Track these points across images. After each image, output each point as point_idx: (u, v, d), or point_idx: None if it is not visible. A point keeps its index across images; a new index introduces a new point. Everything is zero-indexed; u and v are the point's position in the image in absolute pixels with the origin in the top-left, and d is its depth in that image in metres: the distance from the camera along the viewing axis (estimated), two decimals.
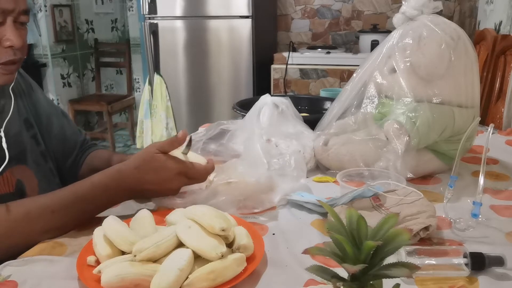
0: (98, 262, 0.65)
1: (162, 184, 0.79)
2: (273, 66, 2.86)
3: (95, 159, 1.05)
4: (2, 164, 0.81)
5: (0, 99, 0.87)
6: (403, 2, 1.02)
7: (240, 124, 1.11)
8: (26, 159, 0.89)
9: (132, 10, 4.18)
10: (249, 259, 0.64)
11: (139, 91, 4.17)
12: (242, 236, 0.65)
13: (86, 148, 1.07)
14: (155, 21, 2.92)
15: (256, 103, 1.13)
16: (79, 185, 0.77)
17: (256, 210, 0.84)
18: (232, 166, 0.88)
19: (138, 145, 3.04)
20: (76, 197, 0.75)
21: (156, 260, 0.62)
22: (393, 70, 1.00)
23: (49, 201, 0.74)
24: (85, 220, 0.77)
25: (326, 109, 1.17)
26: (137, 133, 2.99)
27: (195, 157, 0.85)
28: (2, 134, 0.83)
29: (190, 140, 0.83)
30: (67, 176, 1.03)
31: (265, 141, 1.04)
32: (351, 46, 3.23)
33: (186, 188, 0.85)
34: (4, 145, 0.82)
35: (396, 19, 1.04)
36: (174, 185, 0.80)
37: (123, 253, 0.65)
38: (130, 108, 4.03)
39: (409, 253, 0.64)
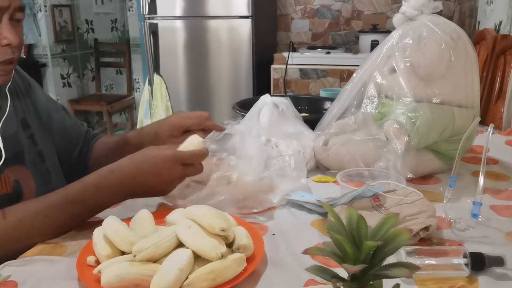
0: (98, 262, 0.65)
1: (159, 175, 0.76)
2: (273, 66, 2.86)
3: (102, 146, 1.06)
4: (3, 163, 0.81)
5: None
6: (403, 2, 1.02)
7: (242, 125, 1.11)
8: (24, 159, 0.88)
9: (132, 10, 4.18)
10: (249, 259, 0.64)
11: (139, 91, 4.17)
12: (242, 236, 0.65)
13: (90, 138, 1.07)
14: (155, 21, 2.92)
15: (256, 103, 1.13)
16: (70, 187, 0.76)
17: (255, 210, 0.84)
18: (228, 162, 0.88)
19: None
20: (67, 200, 0.74)
21: (156, 260, 0.62)
22: (393, 70, 1.00)
23: (41, 205, 0.74)
24: (81, 222, 0.77)
25: (326, 109, 1.17)
26: None
27: (193, 140, 0.84)
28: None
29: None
30: (75, 169, 1.04)
31: (265, 141, 1.04)
32: (351, 46, 3.23)
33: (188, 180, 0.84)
34: (0, 144, 0.81)
35: (396, 19, 1.04)
36: (172, 175, 0.77)
37: (123, 253, 0.65)
38: (130, 108, 4.03)
39: (409, 253, 0.64)
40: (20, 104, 0.92)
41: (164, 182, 0.78)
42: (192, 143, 0.82)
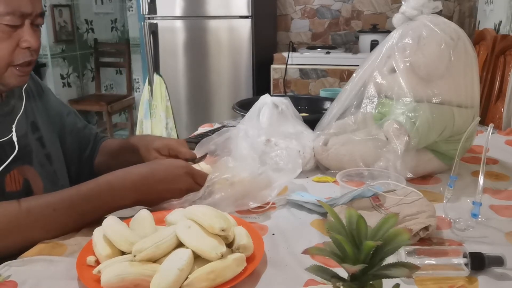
0: (98, 262, 0.65)
1: (171, 183, 0.80)
2: (272, 66, 2.86)
3: (106, 149, 1.09)
4: (12, 162, 0.83)
5: (10, 100, 0.89)
6: (402, 2, 1.03)
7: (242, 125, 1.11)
8: (32, 160, 0.90)
9: (132, 10, 4.18)
10: (249, 259, 0.64)
11: (139, 91, 4.16)
12: (242, 236, 0.65)
13: (99, 139, 1.11)
14: (154, 21, 2.92)
15: (256, 103, 1.13)
16: (83, 184, 0.78)
17: (252, 205, 0.83)
18: (224, 163, 0.89)
19: None
20: (79, 196, 0.75)
21: (156, 260, 0.62)
22: (393, 70, 1.00)
23: (52, 199, 0.75)
24: (88, 221, 0.76)
25: (325, 109, 1.18)
26: (137, 133, 2.99)
27: (203, 166, 0.91)
28: (14, 129, 0.85)
29: (206, 155, 0.92)
30: (83, 171, 1.07)
31: (265, 141, 1.04)
32: (351, 46, 3.23)
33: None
34: (15, 138, 0.84)
35: (396, 19, 1.04)
36: (182, 184, 0.81)
37: (123, 253, 0.65)
38: (129, 108, 4.02)
39: (409, 253, 0.64)
40: (30, 107, 0.95)
41: (174, 190, 0.81)
42: (202, 166, 0.89)
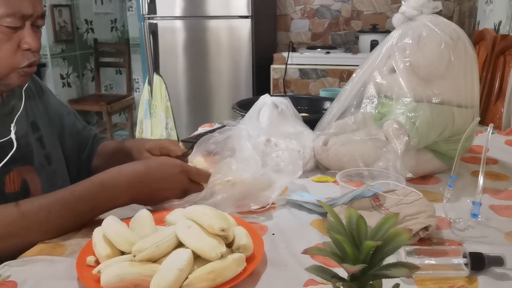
0: (97, 262, 0.65)
1: (166, 181, 0.80)
2: (272, 66, 2.86)
3: (102, 150, 1.09)
4: (12, 162, 0.82)
5: (10, 100, 0.89)
6: (402, 2, 1.03)
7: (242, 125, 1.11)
8: (32, 160, 0.90)
9: (132, 10, 4.18)
10: (249, 259, 0.64)
11: (139, 91, 4.16)
12: (241, 236, 0.65)
13: (97, 140, 1.11)
14: (154, 21, 2.92)
15: (256, 103, 1.13)
16: (77, 185, 0.77)
17: (253, 207, 0.83)
18: (226, 165, 0.89)
19: None
20: (74, 197, 0.75)
21: (155, 260, 0.62)
22: (393, 70, 1.00)
23: (46, 201, 0.74)
24: (84, 221, 0.77)
25: (325, 109, 1.17)
26: (137, 133, 2.99)
27: (200, 164, 0.90)
28: (13, 127, 0.84)
29: (192, 147, 0.90)
30: (81, 172, 1.07)
31: (265, 141, 1.04)
32: (351, 46, 3.23)
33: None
34: (13, 135, 0.83)
35: (396, 19, 1.04)
36: (177, 183, 0.81)
37: (122, 253, 0.65)
38: (129, 108, 4.02)
39: (409, 253, 0.64)
40: (31, 107, 0.95)
41: (169, 188, 0.81)
42: (199, 164, 0.88)
